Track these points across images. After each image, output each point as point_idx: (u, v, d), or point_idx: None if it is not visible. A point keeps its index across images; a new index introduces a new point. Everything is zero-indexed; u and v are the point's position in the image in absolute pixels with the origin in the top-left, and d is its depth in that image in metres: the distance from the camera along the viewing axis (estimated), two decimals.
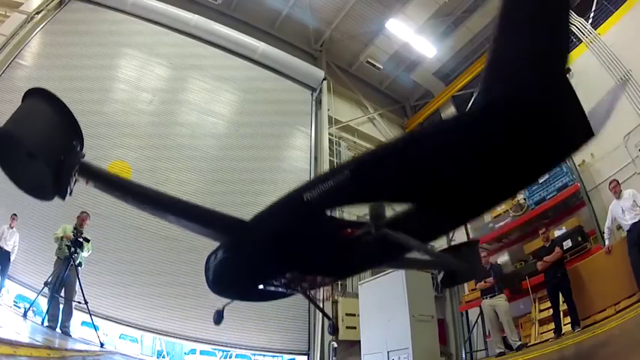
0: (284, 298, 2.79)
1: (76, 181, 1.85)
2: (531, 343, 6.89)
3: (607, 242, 6.28)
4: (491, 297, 6.87)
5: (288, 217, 1.92)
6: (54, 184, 1.73)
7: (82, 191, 7.87)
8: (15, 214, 6.53)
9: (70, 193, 1.85)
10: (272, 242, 1.98)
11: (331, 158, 11.97)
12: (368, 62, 14.33)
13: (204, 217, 2.36)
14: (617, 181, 6.42)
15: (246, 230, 2.16)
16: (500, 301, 6.79)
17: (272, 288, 2.37)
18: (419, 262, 3.02)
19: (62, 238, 5.80)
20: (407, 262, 3.15)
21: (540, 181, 8.49)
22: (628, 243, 5.84)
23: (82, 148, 1.89)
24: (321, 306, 9.14)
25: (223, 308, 3.49)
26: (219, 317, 3.52)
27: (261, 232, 2.06)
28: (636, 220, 5.80)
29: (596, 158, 8.85)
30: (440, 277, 3.30)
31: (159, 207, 2.34)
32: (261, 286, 2.41)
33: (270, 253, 2.01)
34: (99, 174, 2.09)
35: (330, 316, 9.26)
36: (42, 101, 1.74)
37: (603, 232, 6.55)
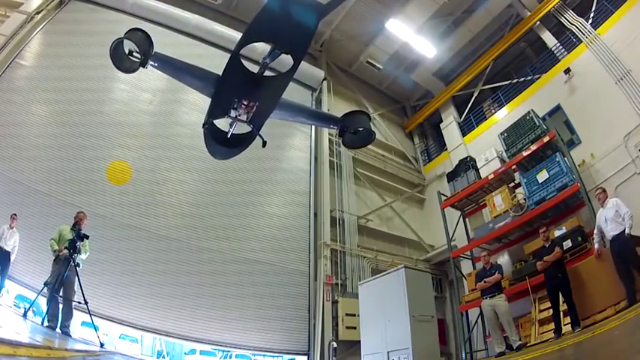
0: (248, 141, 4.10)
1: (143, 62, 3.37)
2: (531, 343, 6.88)
3: (596, 246, 6.23)
4: (491, 297, 6.86)
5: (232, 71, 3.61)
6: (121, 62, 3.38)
7: (82, 191, 7.83)
8: (15, 214, 6.53)
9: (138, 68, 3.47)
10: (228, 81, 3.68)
11: (331, 158, 11.94)
12: (368, 62, 14.32)
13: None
14: (603, 189, 6.37)
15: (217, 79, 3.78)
16: (500, 301, 6.78)
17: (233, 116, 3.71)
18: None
19: (56, 250, 5.79)
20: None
21: (540, 181, 8.49)
22: (611, 254, 5.84)
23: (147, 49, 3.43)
24: (322, 307, 9.19)
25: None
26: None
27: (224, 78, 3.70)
28: (617, 232, 5.75)
29: (596, 158, 8.85)
30: (344, 136, 4.31)
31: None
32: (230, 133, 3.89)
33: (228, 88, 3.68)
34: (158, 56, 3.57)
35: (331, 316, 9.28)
36: (134, 32, 3.42)
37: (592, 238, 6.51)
